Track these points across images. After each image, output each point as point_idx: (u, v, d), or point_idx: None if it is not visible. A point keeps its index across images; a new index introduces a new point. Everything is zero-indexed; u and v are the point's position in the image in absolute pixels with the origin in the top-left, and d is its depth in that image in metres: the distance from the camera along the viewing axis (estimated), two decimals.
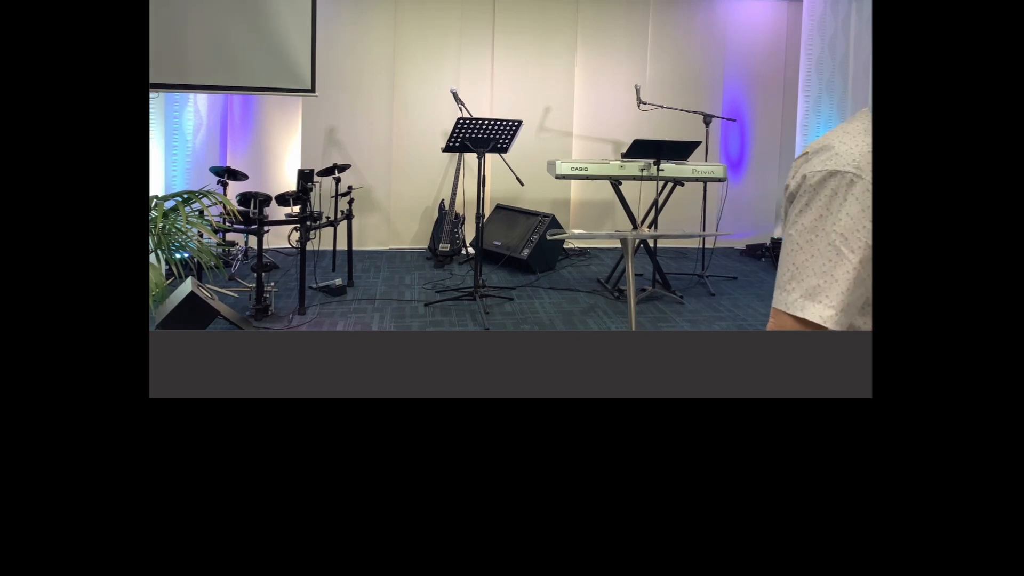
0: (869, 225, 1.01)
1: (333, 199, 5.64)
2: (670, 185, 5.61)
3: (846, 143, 1.07)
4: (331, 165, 5.64)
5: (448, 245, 6.45)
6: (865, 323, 1.08)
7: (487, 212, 6.37)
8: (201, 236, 3.59)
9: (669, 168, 5.48)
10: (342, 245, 5.94)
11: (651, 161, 5.37)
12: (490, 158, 6.25)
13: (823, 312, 1.03)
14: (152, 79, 4.86)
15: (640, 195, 6.80)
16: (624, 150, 5.50)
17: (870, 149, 1.05)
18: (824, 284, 1.03)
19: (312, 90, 5.83)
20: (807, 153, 1.10)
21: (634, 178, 5.50)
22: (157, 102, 5.44)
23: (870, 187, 1.02)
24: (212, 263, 3.45)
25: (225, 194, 5.54)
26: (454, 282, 5.77)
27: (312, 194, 4.97)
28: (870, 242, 1.02)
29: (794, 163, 1.11)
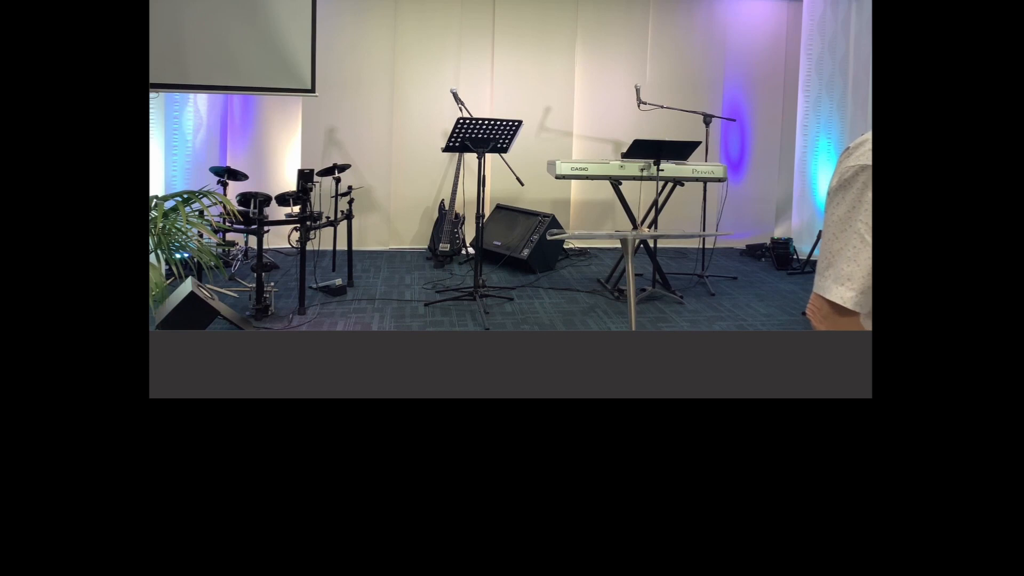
0: None
1: (333, 199, 5.64)
2: (670, 185, 5.61)
3: None
4: (331, 165, 5.64)
5: (448, 245, 6.45)
6: None
7: (487, 212, 6.37)
8: (201, 236, 3.59)
9: (669, 168, 5.47)
10: (342, 245, 5.94)
11: (651, 161, 5.37)
12: (490, 158, 6.25)
13: (844, 294, 1.10)
14: (152, 79, 4.86)
15: (640, 195, 6.80)
16: (624, 150, 5.49)
17: None
18: (850, 270, 1.10)
19: (312, 90, 5.84)
20: (849, 149, 1.16)
21: (634, 178, 5.50)
22: (157, 102, 5.44)
23: None
24: (212, 263, 3.44)
25: (225, 194, 5.54)
26: (454, 282, 5.76)
27: (312, 194, 4.97)
28: None
29: (839, 158, 1.17)
